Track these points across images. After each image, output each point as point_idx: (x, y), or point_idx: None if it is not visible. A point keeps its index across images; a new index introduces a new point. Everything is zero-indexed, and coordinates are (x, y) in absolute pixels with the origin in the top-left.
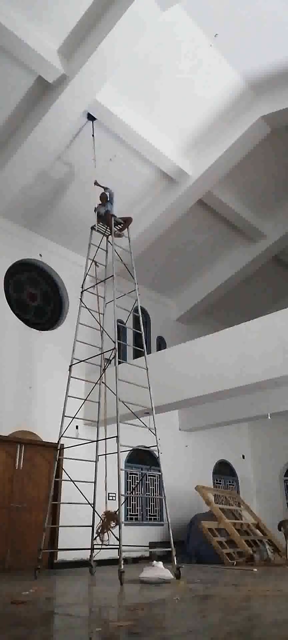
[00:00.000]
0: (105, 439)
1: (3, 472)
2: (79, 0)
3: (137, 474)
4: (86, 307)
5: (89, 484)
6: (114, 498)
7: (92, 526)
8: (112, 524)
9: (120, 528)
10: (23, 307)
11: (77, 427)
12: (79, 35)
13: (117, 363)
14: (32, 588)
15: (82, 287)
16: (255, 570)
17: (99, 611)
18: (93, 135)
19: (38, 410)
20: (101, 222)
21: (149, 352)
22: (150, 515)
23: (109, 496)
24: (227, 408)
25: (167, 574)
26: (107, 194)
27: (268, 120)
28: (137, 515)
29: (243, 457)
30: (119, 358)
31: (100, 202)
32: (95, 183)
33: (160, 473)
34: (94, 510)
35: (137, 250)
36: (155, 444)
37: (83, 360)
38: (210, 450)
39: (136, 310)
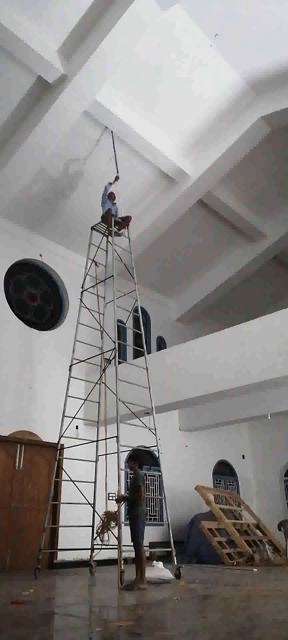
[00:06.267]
0: (105, 439)
1: (3, 472)
2: (79, 0)
3: None
4: (86, 307)
5: (89, 484)
6: (113, 498)
7: (92, 526)
8: (112, 524)
9: (120, 528)
10: (23, 307)
11: (77, 427)
12: (79, 35)
13: (117, 363)
14: (32, 588)
15: (82, 287)
16: (255, 570)
17: (99, 611)
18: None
19: (38, 410)
20: (102, 222)
21: (149, 352)
22: (150, 515)
23: (109, 496)
24: (227, 408)
25: (167, 574)
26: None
27: (268, 120)
28: None
29: (243, 457)
30: (119, 358)
31: (110, 199)
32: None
33: (160, 473)
34: (94, 510)
35: (137, 250)
36: (155, 444)
37: (83, 360)
38: (210, 450)
39: (136, 310)
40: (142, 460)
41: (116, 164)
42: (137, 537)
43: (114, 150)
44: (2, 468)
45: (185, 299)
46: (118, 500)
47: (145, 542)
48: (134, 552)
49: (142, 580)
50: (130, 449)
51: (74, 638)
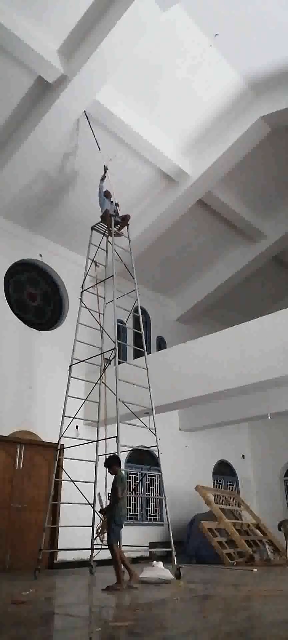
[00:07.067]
0: (105, 439)
1: (3, 472)
2: (79, 0)
3: (137, 474)
4: (86, 307)
5: (89, 484)
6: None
7: (92, 526)
8: None
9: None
10: (23, 307)
11: (77, 427)
12: (79, 35)
13: (117, 363)
14: (32, 588)
15: (82, 287)
16: (255, 570)
17: (99, 611)
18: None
19: (38, 410)
20: (103, 222)
21: (149, 352)
22: (150, 515)
23: (109, 496)
24: (227, 408)
25: (167, 574)
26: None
27: (268, 120)
28: (137, 515)
29: (243, 457)
30: (118, 358)
31: (107, 198)
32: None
33: (160, 473)
34: (94, 510)
35: (137, 250)
36: (155, 444)
37: (83, 360)
38: (210, 450)
39: (136, 310)
40: (117, 460)
41: (97, 144)
42: (109, 538)
43: (92, 131)
44: (2, 468)
45: (185, 299)
46: (102, 512)
47: (145, 542)
48: (135, 553)
49: (120, 582)
50: (130, 449)
51: (74, 638)
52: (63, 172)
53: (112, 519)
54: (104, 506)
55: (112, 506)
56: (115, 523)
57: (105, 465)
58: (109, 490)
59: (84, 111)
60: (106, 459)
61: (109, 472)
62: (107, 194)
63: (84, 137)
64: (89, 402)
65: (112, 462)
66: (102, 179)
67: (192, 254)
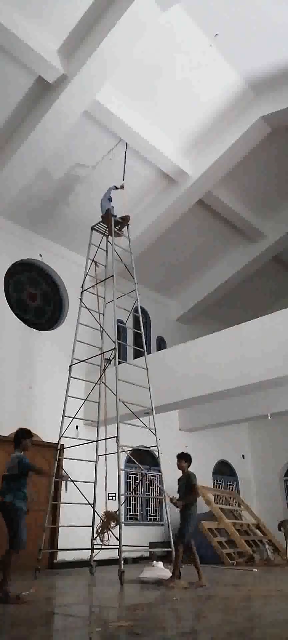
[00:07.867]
0: (105, 439)
1: (3, 472)
2: (79, 0)
3: (137, 474)
4: (86, 307)
5: (89, 484)
6: (114, 498)
7: (92, 526)
8: (112, 524)
9: (120, 528)
10: (23, 307)
11: (77, 427)
12: (79, 35)
13: (117, 363)
14: (32, 588)
15: (82, 287)
16: (255, 570)
17: (99, 611)
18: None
19: (38, 410)
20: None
21: (149, 352)
22: (150, 515)
23: (109, 496)
24: (227, 408)
25: (167, 574)
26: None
27: (268, 120)
28: (137, 515)
29: (243, 457)
30: (118, 358)
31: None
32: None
33: (160, 473)
34: (94, 510)
35: (137, 250)
36: (155, 444)
37: (83, 360)
38: (210, 450)
39: (136, 310)
40: (189, 457)
41: (124, 174)
42: (182, 537)
43: (125, 162)
44: (2, 468)
45: (185, 299)
46: (176, 505)
47: (145, 542)
48: (135, 553)
49: (173, 579)
50: (130, 449)
51: (74, 638)
52: (64, 173)
53: (189, 517)
54: (172, 497)
55: (190, 505)
56: (193, 522)
57: (180, 457)
58: (110, 490)
59: (126, 143)
60: (182, 452)
61: (178, 464)
62: (110, 198)
63: (84, 137)
64: (89, 402)
65: (184, 458)
66: (116, 187)
67: (192, 254)
